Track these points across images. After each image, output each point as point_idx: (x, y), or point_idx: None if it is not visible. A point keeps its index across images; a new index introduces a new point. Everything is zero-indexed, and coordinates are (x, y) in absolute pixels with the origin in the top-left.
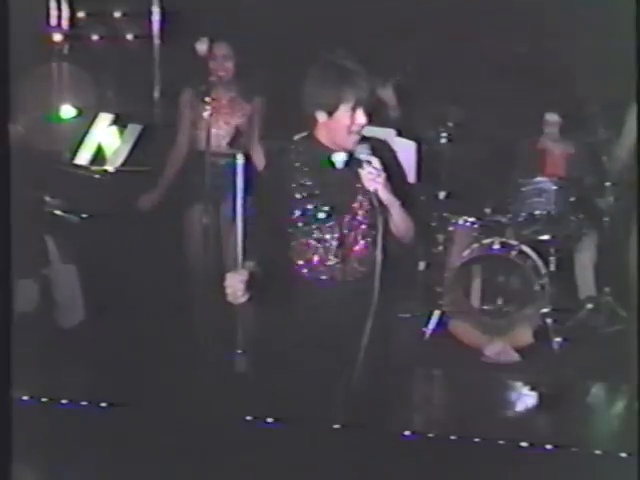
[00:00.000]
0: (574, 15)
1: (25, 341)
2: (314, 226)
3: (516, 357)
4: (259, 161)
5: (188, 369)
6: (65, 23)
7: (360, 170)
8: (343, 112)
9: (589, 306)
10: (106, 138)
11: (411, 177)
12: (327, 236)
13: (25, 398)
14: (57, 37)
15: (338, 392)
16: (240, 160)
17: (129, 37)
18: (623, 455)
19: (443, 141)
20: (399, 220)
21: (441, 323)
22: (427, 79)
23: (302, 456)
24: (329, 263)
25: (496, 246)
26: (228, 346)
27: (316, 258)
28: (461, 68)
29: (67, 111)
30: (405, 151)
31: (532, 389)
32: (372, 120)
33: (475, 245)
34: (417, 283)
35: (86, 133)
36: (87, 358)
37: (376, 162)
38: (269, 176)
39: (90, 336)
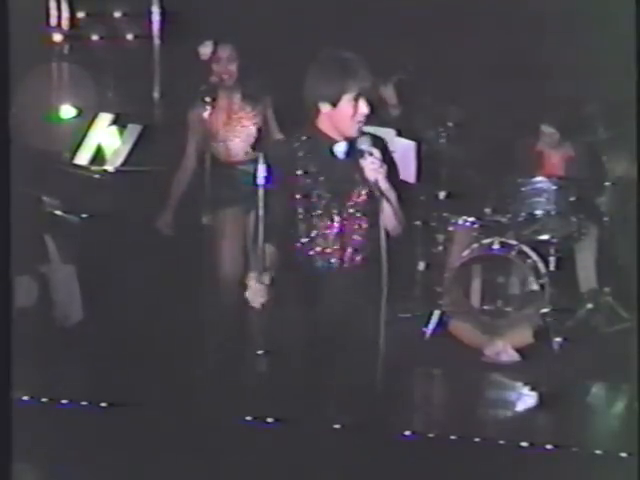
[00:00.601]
0: (574, 15)
1: (24, 341)
2: (315, 214)
3: (516, 357)
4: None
5: (187, 369)
6: (65, 23)
7: (362, 160)
8: (346, 102)
9: (589, 306)
10: (106, 138)
11: (411, 177)
12: (327, 224)
13: (25, 398)
14: (57, 37)
15: (337, 392)
16: (261, 161)
17: (129, 37)
18: (623, 455)
19: (443, 141)
20: (393, 213)
21: (441, 323)
22: (427, 79)
23: (302, 456)
24: (328, 251)
25: (496, 246)
26: (228, 346)
27: (318, 248)
28: (461, 68)
29: (67, 111)
30: (405, 151)
31: (532, 389)
32: (373, 115)
33: (475, 245)
34: (417, 283)
35: (86, 133)
36: (86, 358)
37: (377, 153)
38: (277, 168)
39: (89, 336)
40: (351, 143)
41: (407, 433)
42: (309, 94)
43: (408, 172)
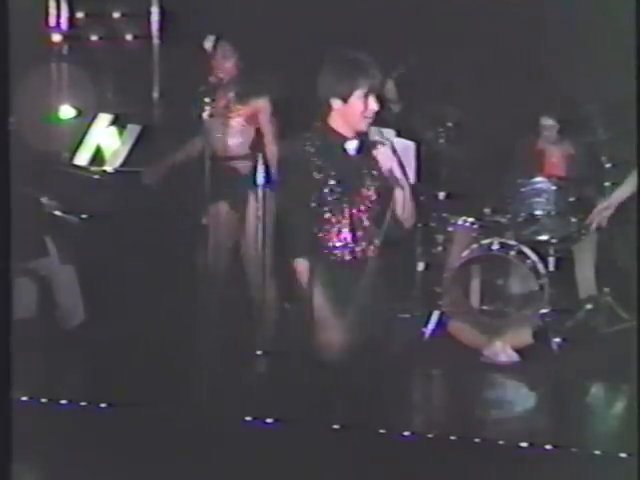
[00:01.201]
0: (574, 15)
1: (25, 341)
2: (326, 208)
3: (515, 357)
4: (274, 159)
5: (187, 369)
6: (64, 23)
7: (374, 150)
8: (357, 99)
9: (588, 306)
10: (105, 138)
11: (411, 177)
12: (339, 218)
13: (25, 399)
14: (56, 37)
15: (337, 392)
16: (260, 160)
17: (128, 37)
18: (623, 455)
19: (442, 141)
20: (406, 202)
21: (440, 323)
22: (426, 79)
23: (301, 456)
24: (339, 244)
25: (495, 246)
26: (227, 346)
27: (330, 242)
28: (460, 68)
29: (66, 111)
30: (404, 151)
31: (531, 389)
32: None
33: (474, 245)
34: (416, 283)
35: (85, 133)
36: (87, 359)
37: (389, 143)
38: (287, 164)
39: (90, 337)
40: (362, 141)
41: (406, 433)
42: (321, 91)
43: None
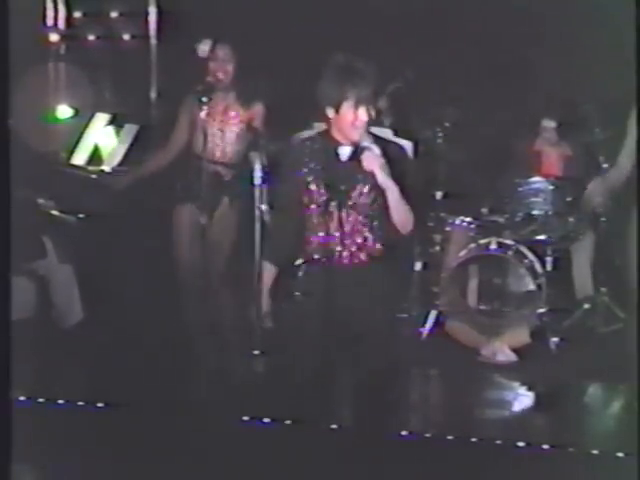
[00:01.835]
0: (572, 15)
1: (22, 341)
2: (315, 212)
3: (513, 357)
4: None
5: (185, 369)
6: (62, 23)
7: (361, 156)
8: (346, 109)
9: (586, 306)
10: (103, 138)
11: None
12: (327, 221)
13: (22, 398)
14: (54, 37)
15: (335, 392)
16: (258, 161)
17: (126, 37)
18: (620, 455)
19: (440, 141)
20: (398, 207)
21: (438, 323)
22: (424, 79)
23: (299, 456)
24: (328, 248)
25: (493, 246)
26: (225, 346)
27: (319, 248)
28: (457, 68)
29: (64, 111)
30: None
31: (529, 389)
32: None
33: (472, 245)
34: (414, 283)
35: (83, 133)
36: (85, 358)
37: (376, 149)
38: (279, 166)
39: (88, 336)
40: (356, 147)
41: (404, 433)
42: (319, 97)
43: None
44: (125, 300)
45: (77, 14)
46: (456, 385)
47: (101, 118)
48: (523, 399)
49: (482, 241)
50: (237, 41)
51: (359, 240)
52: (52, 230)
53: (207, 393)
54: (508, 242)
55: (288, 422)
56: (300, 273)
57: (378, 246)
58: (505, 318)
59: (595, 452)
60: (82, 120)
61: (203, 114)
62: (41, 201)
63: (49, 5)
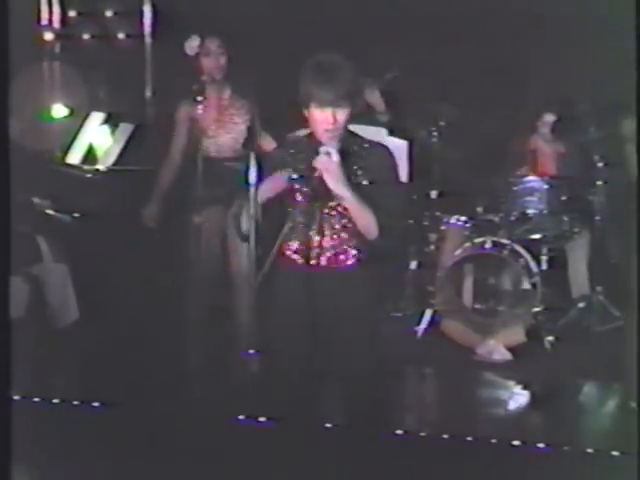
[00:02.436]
0: (569, 13)
1: (18, 341)
2: (297, 211)
3: (508, 356)
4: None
5: (181, 368)
6: (56, 22)
7: (314, 161)
8: (314, 110)
9: (581, 305)
10: (98, 137)
11: (403, 176)
12: (306, 224)
13: (17, 398)
14: (48, 36)
15: (330, 391)
16: (253, 160)
17: (120, 36)
18: (615, 454)
19: (434, 140)
20: (357, 214)
21: (433, 322)
22: (418, 78)
23: (294, 455)
24: (314, 249)
25: (488, 245)
26: (224, 345)
27: (296, 245)
28: (452, 67)
29: (59, 110)
30: (397, 150)
31: (524, 388)
32: (359, 120)
33: (467, 244)
34: (409, 282)
35: (78, 132)
36: (80, 358)
37: (335, 156)
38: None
39: (83, 336)
40: (340, 148)
41: (399, 432)
42: (299, 100)
43: (400, 171)
44: (120, 299)
45: (72, 13)
46: (451, 384)
47: (96, 117)
48: (518, 398)
49: (477, 240)
50: (229, 35)
51: (340, 242)
52: (46, 229)
53: (202, 392)
54: (503, 241)
55: (283, 421)
56: (285, 274)
57: (359, 251)
58: (500, 317)
59: (590, 451)
60: (77, 119)
61: (199, 113)
62: (36, 200)
63: (44, 4)
